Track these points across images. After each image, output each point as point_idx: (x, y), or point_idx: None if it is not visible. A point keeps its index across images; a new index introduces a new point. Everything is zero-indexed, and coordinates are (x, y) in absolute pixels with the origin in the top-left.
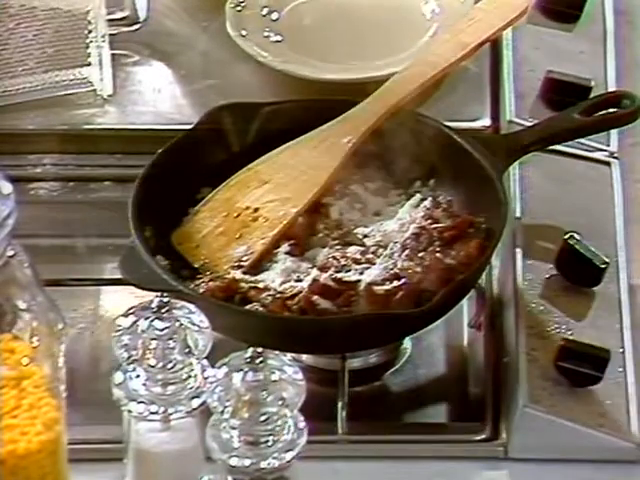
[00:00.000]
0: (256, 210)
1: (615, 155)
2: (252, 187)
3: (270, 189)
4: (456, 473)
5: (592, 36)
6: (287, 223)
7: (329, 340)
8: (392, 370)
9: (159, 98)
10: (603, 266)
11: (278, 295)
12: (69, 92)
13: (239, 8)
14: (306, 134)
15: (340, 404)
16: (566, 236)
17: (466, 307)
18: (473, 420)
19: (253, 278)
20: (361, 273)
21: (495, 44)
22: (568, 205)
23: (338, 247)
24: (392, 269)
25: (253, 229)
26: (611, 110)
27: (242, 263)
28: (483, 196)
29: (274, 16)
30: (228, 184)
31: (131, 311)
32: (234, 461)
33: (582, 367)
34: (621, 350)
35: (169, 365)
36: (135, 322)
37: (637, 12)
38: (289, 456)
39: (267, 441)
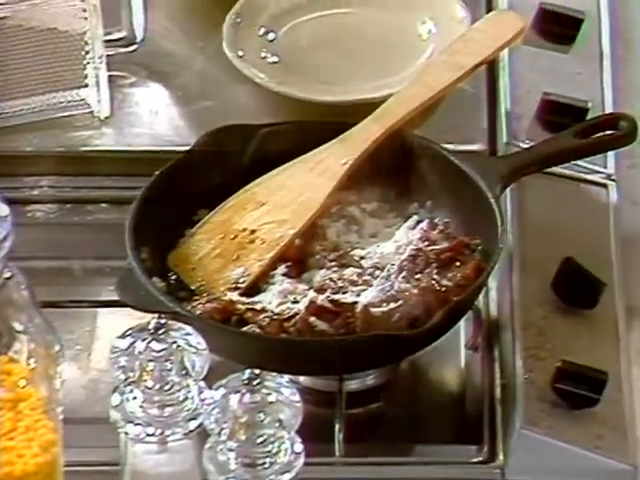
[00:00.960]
0: (253, 232)
1: (612, 177)
2: (249, 209)
3: (267, 211)
4: None
5: (588, 57)
6: (284, 245)
7: (326, 361)
8: (389, 392)
9: (156, 120)
10: (600, 288)
11: (275, 317)
12: (66, 114)
13: (236, 29)
14: (303, 156)
15: (337, 426)
16: (563, 258)
17: (463, 329)
18: (470, 442)
19: (250, 300)
20: (358, 295)
21: (492, 65)
22: (565, 227)
23: (335, 269)
24: (389, 291)
25: (250, 251)
26: (608, 132)
27: (239, 285)
28: (480, 218)
29: (271, 37)
30: (225, 206)
31: (128, 333)
32: None
33: (579, 389)
34: (618, 372)
35: (166, 387)
36: (132, 344)
37: (633, 33)
38: (286, 478)
39: (264, 463)
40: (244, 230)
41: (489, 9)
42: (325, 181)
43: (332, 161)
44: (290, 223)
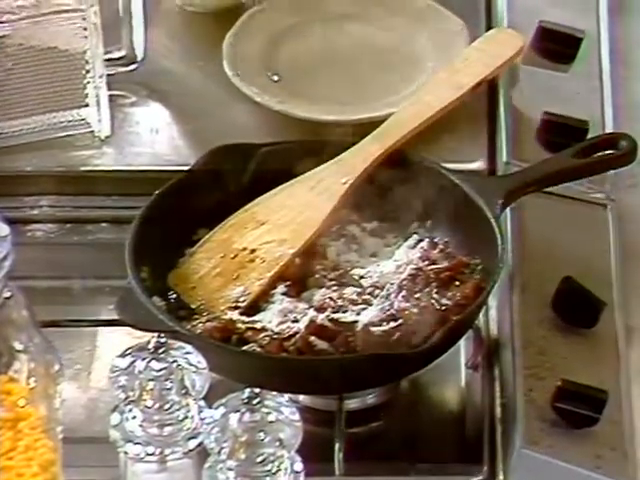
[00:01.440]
0: (253, 251)
1: (612, 197)
2: (249, 228)
3: (267, 230)
4: None
5: (588, 76)
6: (284, 264)
7: (326, 381)
8: (389, 411)
9: (156, 139)
10: (600, 307)
11: (275, 336)
12: (67, 134)
13: (236, 47)
14: (303, 175)
15: (337, 445)
16: (563, 277)
17: (463, 348)
18: (470, 461)
19: (250, 319)
20: (358, 314)
21: (491, 85)
22: (565, 246)
23: (335, 288)
24: (389, 310)
25: (250, 270)
26: (608, 152)
27: (239, 304)
28: (480, 237)
29: (271, 55)
30: (225, 225)
31: (128, 352)
32: None
33: (579, 408)
34: (618, 391)
35: (166, 406)
36: (132, 363)
37: (633, 52)
38: None
39: None
40: (244, 249)
41: (488, 27)
42: (325, 200)
43: (332, 180)
44: (290, 242)
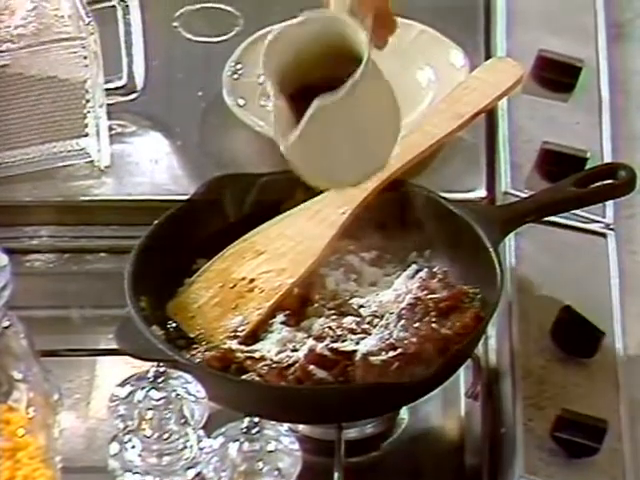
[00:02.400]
0: (252, 281)
1: (611, 227)
2: (248, 258)
3: (266, 260)
4: None
5: (587, 106)
6: (283, 294)
7: (325, 410)
8: (389, 440)
9: (156, 169)
10: (599, 336)
11: (274, 365)
12: (66, 163)
13: (236, 77)
14: (302, 205)
15: (336, 474)
16: (562, 307)
17: (462, 377)
18: None
19: (249, 348)
20: (357, 343)
21: (490, 114)
22: (564, 276)
23: (334, 317)
24: (388, 339)
25: (249, 300)
26: (607, 181)
27: (238, 333)
28: (479, 267)
29: None
30: (224, 255)
31: (127, 381)
32: None
33: (579, 438)
34: (618, 421)
35: (165, 435)
36: (131, 392)
37: (632, 82)
38: None
39: None
40: (243, 279)
41: (488, 56)
42: (324, 230)
43: (331, 210)
44: (289, 272)
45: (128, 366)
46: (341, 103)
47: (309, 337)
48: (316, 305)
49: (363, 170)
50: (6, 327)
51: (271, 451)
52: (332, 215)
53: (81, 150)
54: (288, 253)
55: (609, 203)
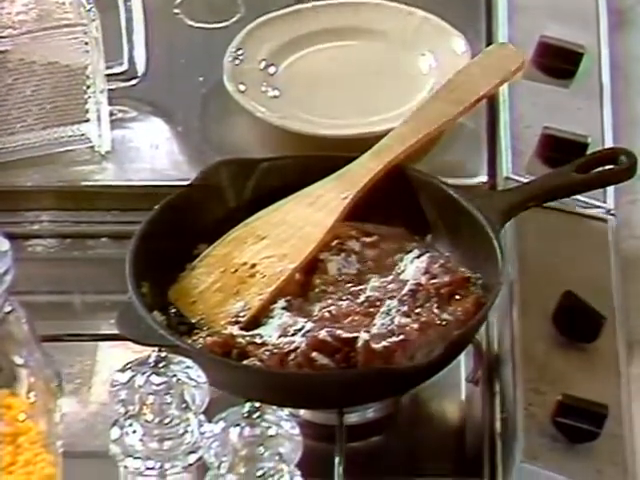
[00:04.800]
0: (253, 266)
1: (612, 212)
2: (249, 243)
3: (267, 245)
4: None
5: (588, 92)
6: (284, 279)
7: (326, 395)
8: (389, 425)
9: (156, 154)
10: (600, 321)
11: (276, 350)
12: (67, 149)
13: (237, 62)
14: (303, 190)
15: (337, 459)
16: (563, 292)
17: (464, 362)
18: (471, 475)
19: (250, 333)
20: (358, 329)
21: (492, 100)
22: (565, 261)
23: (335, 302)
24: (389, 325)
25: (250, 285)
26: (608, 167)
27: (239, 319)
28: (480, 252)
29: (272, 70)
30: (225, 240)
31: (128, 366)
32: None
33: (580, 423)
34: (619, 406)
35: (166, 420)
36: (132, 377)
37: (633, 68)
38: None
39: None
40: (244, 264)
41: (489, 43)
42: (325, 216)
43: (332, 196)
44: (290, 257)
45: (129, 351)
46: None
47: (310, 323)
48: (317, 290)
49: None
50: (7, 312)
51: (272, 436)
52: (333, 201)
53: (82, 135)
54: (289, 239)
55: (610, 188)
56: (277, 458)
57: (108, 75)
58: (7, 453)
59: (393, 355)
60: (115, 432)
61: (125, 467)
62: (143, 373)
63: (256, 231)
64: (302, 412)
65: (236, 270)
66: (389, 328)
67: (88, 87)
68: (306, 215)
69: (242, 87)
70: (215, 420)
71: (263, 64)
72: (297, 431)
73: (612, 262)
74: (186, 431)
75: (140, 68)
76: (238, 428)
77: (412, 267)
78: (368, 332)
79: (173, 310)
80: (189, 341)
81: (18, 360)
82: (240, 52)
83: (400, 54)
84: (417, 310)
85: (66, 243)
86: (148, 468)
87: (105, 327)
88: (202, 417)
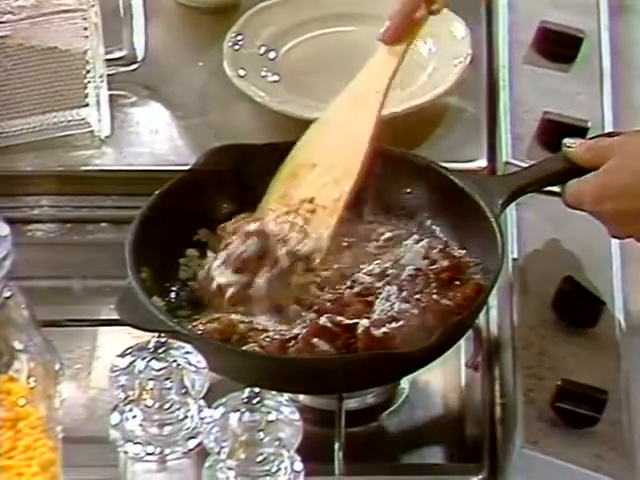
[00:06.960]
0: (312, 200)
1: None
2: (303, 174)
3: (320, 173)
4: None
5: (588, 77)
6: (345, 204)
7: (326, 380)
8: (389, 410)
9: (156, 139)
10: (600, 307)
11: (276, 337)
12: (67, 133)
13: (237, 47)
14: (334, 102)
15: (337, 445)
16: (563, 277)
17: (463, 347)
18: (470, 461)
19: (250, 319)
20: (359, 315)
21: (492, 85)
22: (565, 246)
23: (335, 288)
24: (389, 311)
25: (315, 223)
26: None
27: (311, 261)
28: (480, 237)
29: (271, 55)
30: (278, 179)
31: (128, 351)
32: None
33: (579, 408)
34: (618, 391)
35: (166, 405)
36: (132, 362)
37: (633, 53)
38: None
39: None
40: (303, 201)
41: (489, 28)
42: (365, 111)
43: (366, 89)
44: (344, 181)
45: (129, 336)
46: None
47: (310, 309)
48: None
49: None
50: (7, 297)
51: (272, 421)
52: (369, 95)
53: (82, 120)
54: (337, 163)
55: None
56: (277, 443)
57: (108, 60)
58: (7, 438)
59: (393, 341)
60: (115, 417)
61: (125, 452)
62: (143, 358)
63: (309, 161)
64: (302, 397)
65: (298, 209)
66: (389, 314)
67: (87, 72)
68: (346, 123)
69: (242, 72)
70: (215, 405)
71: (263, 49)
72: (297, 416)
73: (612, 247)
74: (186, 416)
75: (140, 53)
76: (238, 413)
77: (411, 252)
78: (368, 318)
79: (173, 295)
80: (189, 327)
81: (18, 345)
82: (240, 37)
83: None
84: (417, 295)
85: (66, 228)
86: (148, 453)
87: (105, 312)
88: (202, 402)
